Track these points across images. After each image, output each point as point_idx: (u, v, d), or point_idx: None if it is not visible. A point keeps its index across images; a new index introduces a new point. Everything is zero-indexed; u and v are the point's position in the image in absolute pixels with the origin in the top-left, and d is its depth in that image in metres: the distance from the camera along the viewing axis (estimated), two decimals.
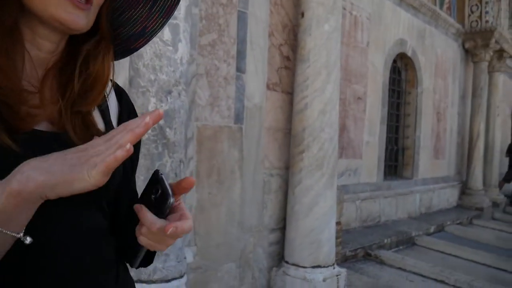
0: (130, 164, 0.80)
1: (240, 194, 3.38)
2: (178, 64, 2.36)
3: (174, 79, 2.35)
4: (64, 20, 0.61)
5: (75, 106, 0.67)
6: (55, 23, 0.62)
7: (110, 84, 0.76)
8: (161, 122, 2.33)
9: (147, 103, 2.31)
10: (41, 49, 0.66)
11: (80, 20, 0.63)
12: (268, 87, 3.59)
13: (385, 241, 5.34)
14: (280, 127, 3.72)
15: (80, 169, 0.50)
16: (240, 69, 3.31)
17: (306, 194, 3.50)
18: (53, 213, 0.62)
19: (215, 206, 3.19)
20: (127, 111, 0.81)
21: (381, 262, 4.88)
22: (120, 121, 0.79)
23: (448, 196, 8.06)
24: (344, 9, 4.97)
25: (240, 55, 3.31)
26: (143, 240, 0.63)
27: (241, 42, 3.31)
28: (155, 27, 0.78)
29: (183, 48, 2.38)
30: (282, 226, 3.75)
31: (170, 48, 2.33)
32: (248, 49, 3.37)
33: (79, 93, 0.68)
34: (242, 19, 3.31)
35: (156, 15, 0.76)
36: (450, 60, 7.80)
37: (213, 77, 3.12)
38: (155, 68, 2.31)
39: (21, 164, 0.52)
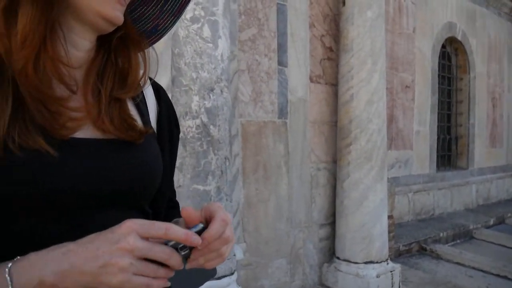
0: (169, 163, 0.78)
1: (287, 189, 3.33)
2: (219, 60, 2.35)
3: (216, 76, 2.34)
4: (110, 16, 0.62)
5: (112, 94, 0.66)
6: (99, 20, 0.62)
7: (146, 78, 0.74)
8: (205, 119, 2.33)
9: (190, 102, 2.31)
10: (78, 48, 0.65)
11: (121, 15, 0.64)
12: (311, 79, 3.52)
13: (441, 234, 5.11)
14: (326, 120, 3.64)
15: (107, 271, 0.50)
16: (281, 63, 3.26)
17: (355, 188, 3.40)
18: (94, 217, 0.61)
19: (262, 202, 3.16)
20: (167, 113, 0.80)
21: (437, 257, 4.67)
22: (160, 122, 0.78)
23: (507, 186, 7.61)
24: None
25: (281, 49, 3.26)
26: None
27: (282, 35, 3.26)
28: (166, 24, 0.78)
29: (223, 45, 2.37)
30: (331, 221, 3.67)
31: (210, 45, 2.32)
32: (289, 42, 3.31)
33: (115, 83, 0.68)
34: (281, 11, 3.26)
35: (168, 13, 0.76)
36: (505, 42, 7.35)
37: (254, 72, 3.09)
38: (196, 66, 2.31)
39: (56, 248, 0.52)
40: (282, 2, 3.23)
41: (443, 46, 6.04)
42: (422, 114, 5.54)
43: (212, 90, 2.34)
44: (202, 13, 2.31)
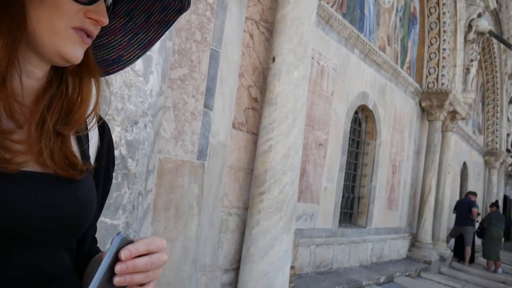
0: (100, 201, 0.77)
1: (197, 231, 3.31)
2: (148, 95, 2.35)
3: (142, 110, 2.33)
4: (69, 55, 0.61)
5: (56, 127, 0.64)
6: (57, 57, 0.62)
7: (94, 115, 0.72)
8: (124, 152, 2.29)
9: (111, 132, 2.26)
10: (29, 76, 0.63)
11: (81, 54, 0.63)
12: (234, 126, 3.62)
13: None
14: (242, 167, 3.73)
15: None
16: (207, 106, 3.33)
17: (263, 236, 3.48)
18: (25, 254, 0.59)
19: (169, 242, 3.10)
20: (107, 151, 0.80)
21: None
22: (99, 156, 0.77)
23: (398, 247, 8.23)
24: (313, 58, 5.15)
25: (209, 92, 3.34)
26: None
27: (211, 79, 3.35)
28: (130, 57, 0.77)
29: (154, 80, 2.38)
30: (236, 267, 3.68)
31: (141, 79, 2.32)
32: (217, 87, 3.40)
33: (61, 116, 0.65)
34: (214, 57, 3.36)
35: (134, 47, 0.76)
36: (408, 116, 8.19)
37: (180, 111, 3.12)
38: (124, 97, 2.28)
39: None
40: (216, 48, 3.35)
41: (356, 112, 6.57)
42: (331, 172, 5.88)
43: (136, 123, 2.32)
44: None
